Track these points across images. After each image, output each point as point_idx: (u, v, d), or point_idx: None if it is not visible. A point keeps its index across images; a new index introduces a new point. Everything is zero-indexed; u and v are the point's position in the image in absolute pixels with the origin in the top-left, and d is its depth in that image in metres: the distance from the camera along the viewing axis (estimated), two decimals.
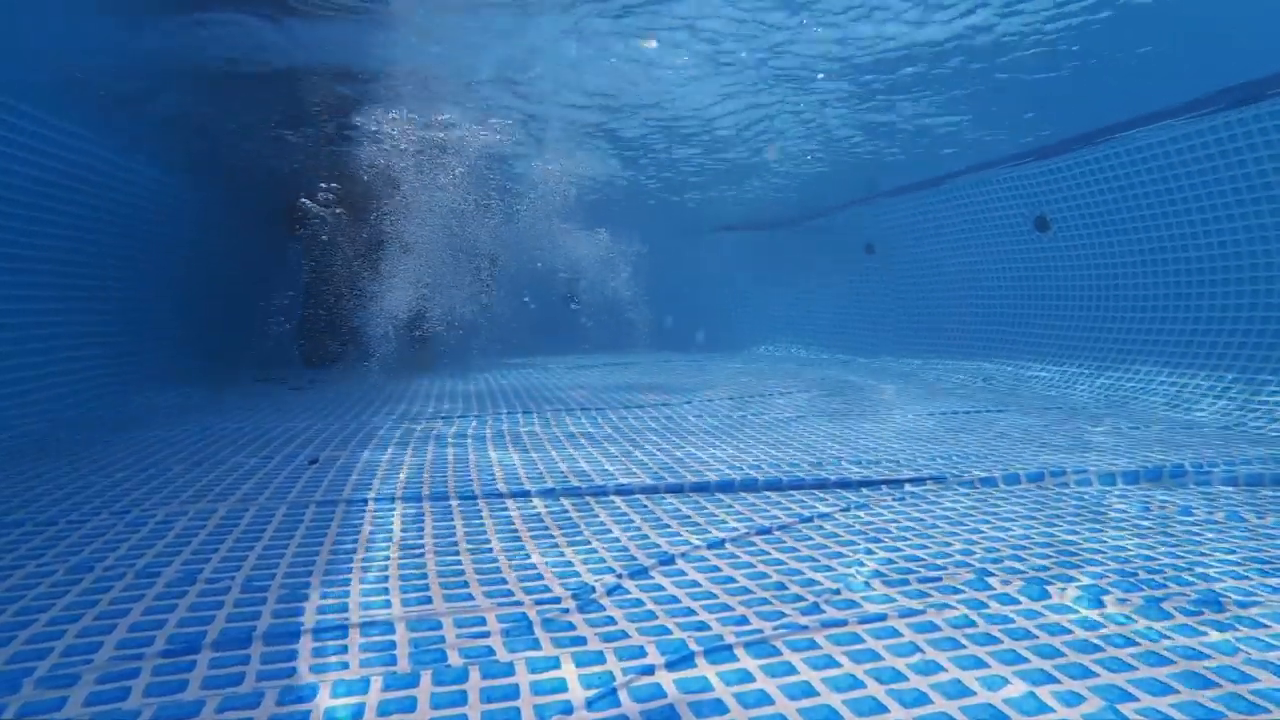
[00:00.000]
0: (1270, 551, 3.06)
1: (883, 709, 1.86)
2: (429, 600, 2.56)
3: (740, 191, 14.06)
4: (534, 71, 7.69)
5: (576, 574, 2.82)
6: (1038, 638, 2.26)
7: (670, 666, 2.08)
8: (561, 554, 3.06)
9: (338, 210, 11.32)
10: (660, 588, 2.69)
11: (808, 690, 1.95)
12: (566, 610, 2.47)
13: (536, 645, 2.21)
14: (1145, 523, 3.48)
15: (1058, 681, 1.99)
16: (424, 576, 2.79)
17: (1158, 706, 1.87)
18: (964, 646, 2.20)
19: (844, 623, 2.36)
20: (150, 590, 2.65)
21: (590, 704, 1.88)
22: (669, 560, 2.98)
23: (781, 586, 2.69)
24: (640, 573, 2.84)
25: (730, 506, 3.80)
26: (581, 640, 2.25)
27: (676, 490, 4.10)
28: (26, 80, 6.19)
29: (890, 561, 2.96)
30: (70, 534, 3.31)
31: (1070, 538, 3.25)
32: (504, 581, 2.75)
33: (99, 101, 7.21)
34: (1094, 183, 8.36)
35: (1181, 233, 7.59)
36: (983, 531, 3.35)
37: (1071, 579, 2.73)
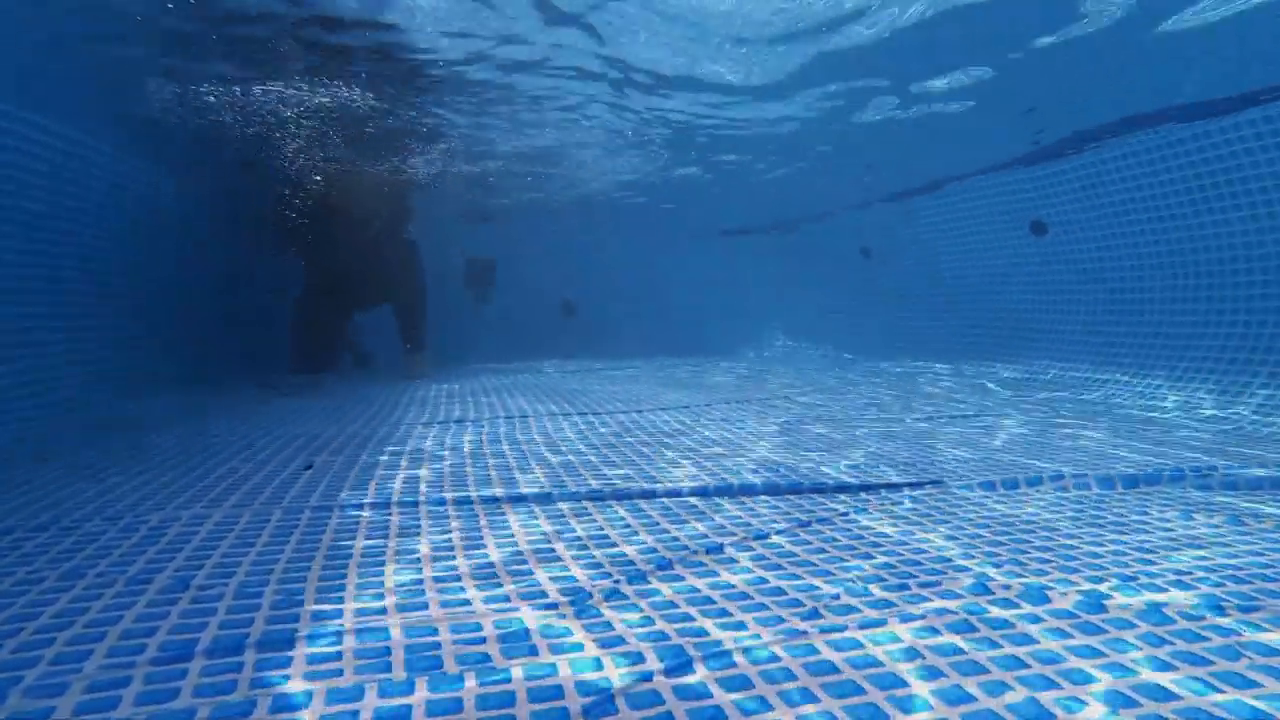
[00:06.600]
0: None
1: (883, 715, 1.84)
2: (425, 606, 2.53)
3: None
4: None
5: (573, 578, 2.80)
6: (1039, 642, 2.24)
7: (669, 673, 2.05)
8: (558, 558, 3.04)
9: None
10: (658, 592, 2.67)
11: (808, 696, 1.93)
12: (564, 615, 2.44)
13: (534, 651, 2.19)
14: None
15: (1059, 687, 1.97)
16: (420, 582, 2.76)
17: None
18: (964, 652, 2.18)
19: (843, 628, 2.34)
20: (142, 597, 2.62)
21: (586, 711, 1.86)
22: (667, 565, 2.95)
23: (780, 592, 2.67)
24: (638, 578, 2.81)
25: (728, 511, 3.78)
26: (579, 646, 2.22)
27: (674, 495, 4.08)
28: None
29: (890, 566, 2.94)
30: (62, 539, 3.28)
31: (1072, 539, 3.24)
32: (500, 585, 2.72)
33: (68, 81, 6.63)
34: None
35: None
36: (983, 536, 3.34)
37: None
